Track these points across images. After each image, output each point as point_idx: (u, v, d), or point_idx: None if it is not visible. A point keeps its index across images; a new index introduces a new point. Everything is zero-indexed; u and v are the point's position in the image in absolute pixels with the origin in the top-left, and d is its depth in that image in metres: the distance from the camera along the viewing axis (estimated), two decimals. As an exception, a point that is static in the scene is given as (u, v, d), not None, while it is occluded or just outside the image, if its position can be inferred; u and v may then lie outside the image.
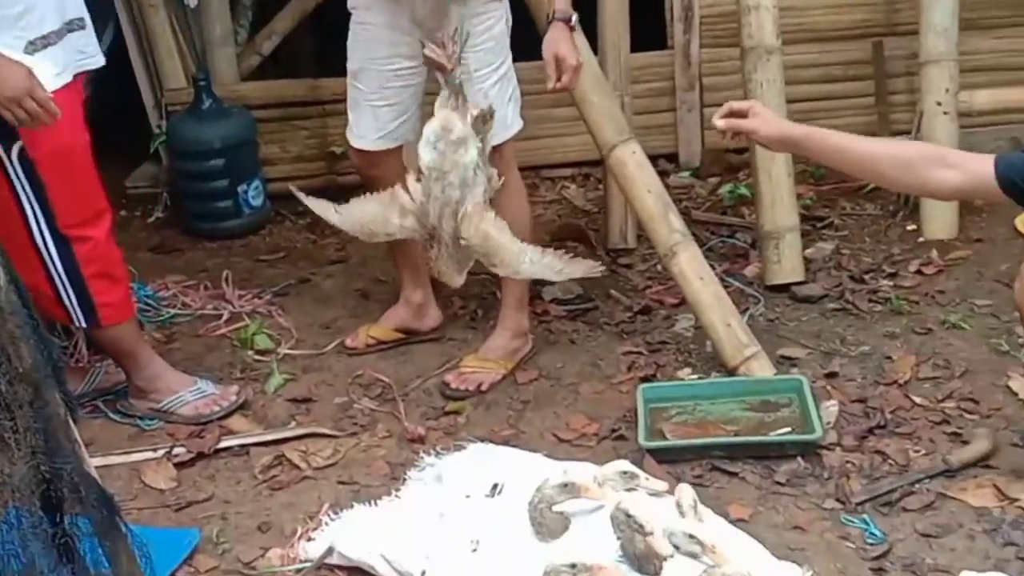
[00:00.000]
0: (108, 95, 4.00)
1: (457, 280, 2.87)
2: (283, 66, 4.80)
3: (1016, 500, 2.61)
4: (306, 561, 2.59)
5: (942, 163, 2.42)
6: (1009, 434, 2.83)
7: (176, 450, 3.01)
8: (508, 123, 3.12)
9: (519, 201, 3.26)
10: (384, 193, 2.82)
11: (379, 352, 3.43)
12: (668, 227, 3.22)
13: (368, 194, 2.88)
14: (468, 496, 2.64)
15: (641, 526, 2.33)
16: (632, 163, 3.28)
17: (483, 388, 3.20)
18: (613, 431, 3.03)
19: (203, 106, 4.20)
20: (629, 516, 2.34)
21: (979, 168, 2.38)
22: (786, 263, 3.59)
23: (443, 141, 2.74)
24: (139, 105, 4.47)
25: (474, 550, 2.45)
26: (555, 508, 2.48)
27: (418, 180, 2.77)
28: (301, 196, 2.96)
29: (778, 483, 2.77)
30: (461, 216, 2.75)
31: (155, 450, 3.03)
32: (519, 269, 2.83)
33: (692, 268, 3.19)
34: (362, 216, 2.84)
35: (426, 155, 2.75)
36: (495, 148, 3.10)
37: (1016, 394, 2.98)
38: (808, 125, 2.59)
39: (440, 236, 2.77)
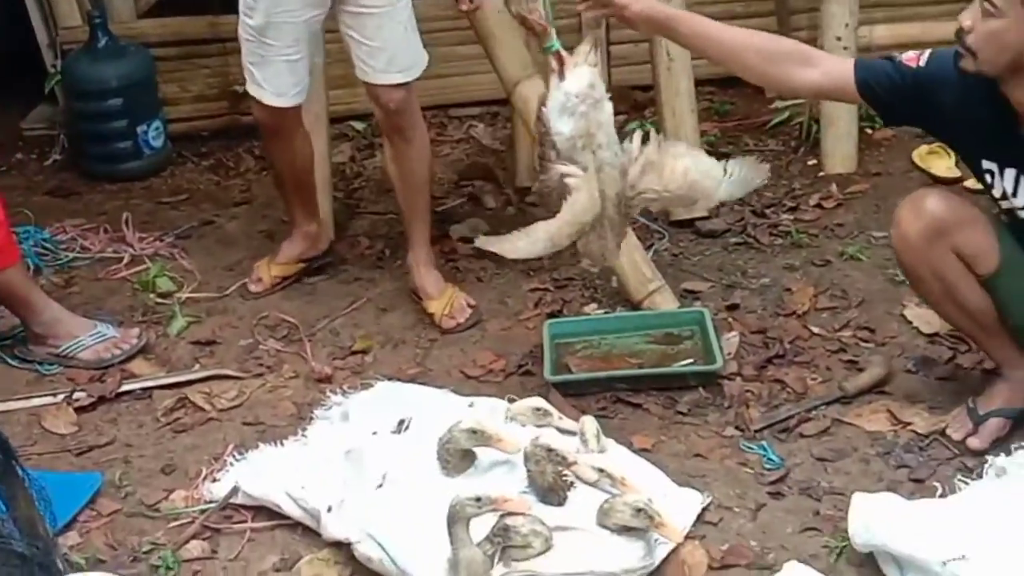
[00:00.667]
0: (1, 35, 3.87)
1: (617, 258, 2.62)
2: (182, 3, 4.67)
3: (909, 424, 2.69)
4: (211, 502, 2.58)
5: (805, 61, 2.45)
6: (904, 361, 2.92)
7: (76, 394, 2.97)
8: (423, 57, 3.11)
9: (426, 143, 3.25)
10: (582, 178, 2.47)
11: (283, 292, 3.40)
12: (572, 163, 3.21)
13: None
14: (375, 433, 2.65)
15: (564, 457, 2.37)
16: (536, 99, 3.25)
17: (471, 303, 3.25)
18: (520, 366, 3.05)
19: (99, 44, 4.07)
20: (551, 450, 2.37)
21: (839, 69, 2.43)
22: (690, 199, 3.62)
23: (583, 102, 2.43)
24: (34, 45, 4.32)
25: (380, 485, 2.46)
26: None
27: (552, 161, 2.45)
28: (487, 244, 2.68)
29: (680, 413, 2.82)
30: (642, 168, 2.47)
31: (55, 395, 2.98)
32: (718, 194, 2.53)
33: (596, 204, 3.20)
34: (582, 212, 2.47)
35: (566, 126, 2.43)
36: (404, 86, 3.07)
37: (911, 322, 3.06)
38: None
39: (602, 209, 2.47)
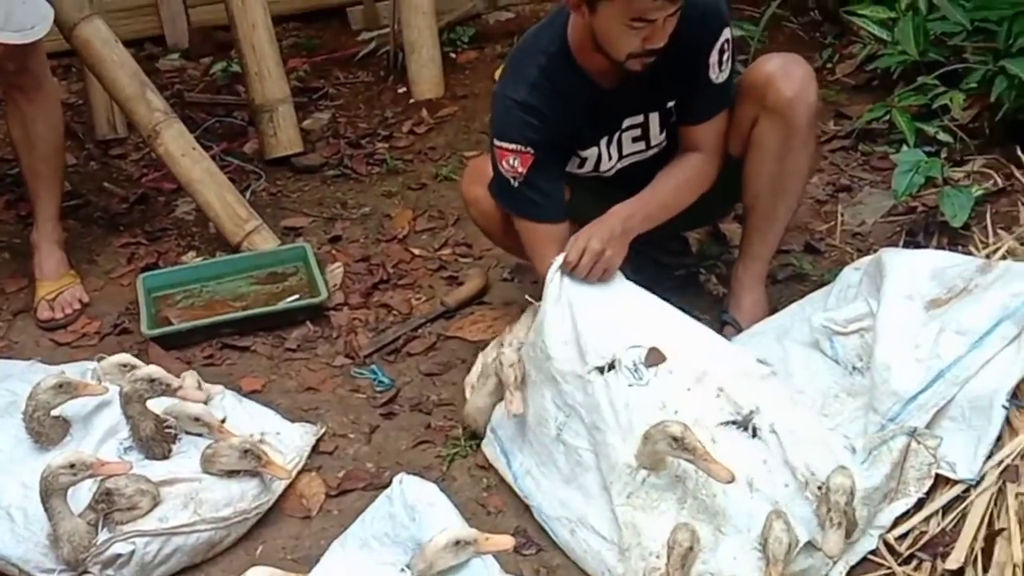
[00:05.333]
0: None
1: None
2: None
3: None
4: None
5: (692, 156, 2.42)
6: (500, 271, 3.01)
7: None
8: (48, 13, 2.79)
9: (54, 104, 2.97)
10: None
11: None
12: (147, 106, 3.06)
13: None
14: (-49, 417, 2.42)
15: (168, 384, 2.27)
16: (98, 41, 3.06)
17: (84, 301, 2.97)
18: (116, 326, 2.91)
19: None
20: (153, 380, 2.26)
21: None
22: (283, 136, 3.56)
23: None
24: None
25: (-39, 471, 2.25)
26: (53, 413, 2.33)
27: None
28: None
29: (289, 350, 2.79)
30: None
31: None
32: None
33: (178, 146, 3.08)
34: None
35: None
36: (30, 47, 2.74)
37: (504, 234, 3.16)
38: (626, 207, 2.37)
39: None
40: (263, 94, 3.51)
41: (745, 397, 2.15)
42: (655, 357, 2.21)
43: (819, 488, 2.03)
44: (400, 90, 3.97)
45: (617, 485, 2.09)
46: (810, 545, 2.00)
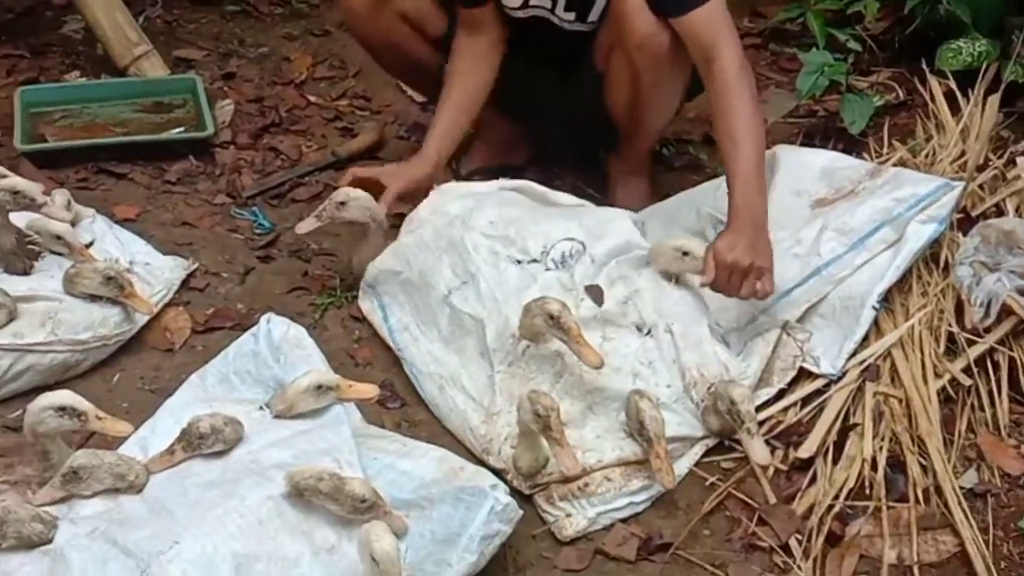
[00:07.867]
0: None
1: None
2: None
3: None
4: None
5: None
6: (396, 128, 2.94)
7: None
8: None
9: None
10: None
11: None
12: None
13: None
14: None
15: (32, 199, 2.15)
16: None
17: None
18: (-11, 138, 2.77)
19: None
20: (16, 192, 2.14)
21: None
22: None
23: None
24: None
25: None
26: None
27: None
28: None
29: (169, 182, 2.70)
30: None
31: None
32: None
33: (70, -43, 2.91)
34: None
35: None
36: None
37: (405, 91, 3.06)
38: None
39: None
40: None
41: (651, 309, 2.12)
42: (596, 292, 2.14)
43: (708, 389, 2.03)
44: (315, -68, 3.80)
45: (500, 352, 2.08)
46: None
